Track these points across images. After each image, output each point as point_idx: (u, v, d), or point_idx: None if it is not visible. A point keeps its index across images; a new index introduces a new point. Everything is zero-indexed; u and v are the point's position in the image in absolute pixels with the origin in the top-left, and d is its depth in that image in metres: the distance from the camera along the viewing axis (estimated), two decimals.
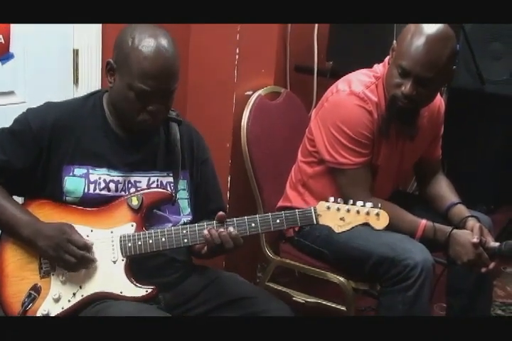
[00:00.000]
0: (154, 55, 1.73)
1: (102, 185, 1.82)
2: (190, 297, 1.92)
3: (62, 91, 2.42)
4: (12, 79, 2.29)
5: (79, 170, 1.82)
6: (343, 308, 2.39)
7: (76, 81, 2.47)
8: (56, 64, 2.41)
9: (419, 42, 2.07)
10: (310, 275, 2.45)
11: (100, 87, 2.49)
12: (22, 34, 2.20)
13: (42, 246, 1.76)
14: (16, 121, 1.85)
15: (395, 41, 2.20)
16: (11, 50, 2.21)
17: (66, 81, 2.45)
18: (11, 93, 2.32)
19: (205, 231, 1.75)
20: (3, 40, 2.20)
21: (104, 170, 1.83)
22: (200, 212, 1.98)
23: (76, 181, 1.81)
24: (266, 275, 2.57)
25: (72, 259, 1.74)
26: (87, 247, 1.76)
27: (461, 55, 2.83)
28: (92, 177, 1.82)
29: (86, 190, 1.82)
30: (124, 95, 1.77)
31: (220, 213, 1.78)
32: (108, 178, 1.83)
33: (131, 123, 1.81)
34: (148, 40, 1.73)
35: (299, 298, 2.49)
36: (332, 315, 2.45)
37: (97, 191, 1.82)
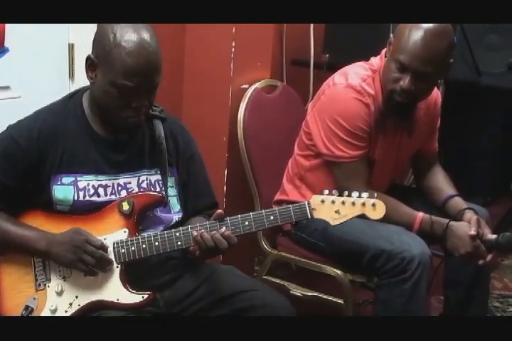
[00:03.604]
0: (137, 50, 1.68)
1: (92, 191, 1.80)
2: (188, 293, 1.92)
3: (58, 85, 2.41)
4: (7, 74, 2.27)
5: (67, 179, 1.80)
6: (341, 301, 2.39)
7: (72, 75, 2.46)
8: (52, 58, 2.40)
9: (417, 36, 2.06)
10: (307, 269, 2.46)
11: None
12: (17, 28, 2.19)
13: (59, 252, 1.75)
14: (1, 142, 1.82)
15: (391, 35, 2.19)
16: (6, 44, 2.20)
17: (62, 75, 2.44)
18: (6, 88, 2.30)
19: (195, 233, 1.73)
20: None
21: (91, 176, 1.81)
22: (191, 209, 1.97)
23: (65, 189, 1.79)
24: (263, 269, 2.57)
25: (91, 260, 1.73)
26: (104, 247, 1.75)
27: (458, 47, 2.81)
28: (81, 184, 1.80)
29: (76, 198, 1.80)
30: (106, 91, 1.73)
31: (219, 211, 1.76)
32: (96, 184, 1.81)
33: (114, 120, 1.78)
34: (131, 35, 1.68)
35: (297, 291, 2.49)
36: (330, 308, 2.45)
37: (87, 198, 1.80)
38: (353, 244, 2.21)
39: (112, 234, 1.79)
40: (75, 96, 1.87)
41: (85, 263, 1.74)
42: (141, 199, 1.82)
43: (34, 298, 1.79)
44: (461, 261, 2.26)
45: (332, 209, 1.74)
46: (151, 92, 1.77)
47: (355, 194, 1.74)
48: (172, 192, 1.92)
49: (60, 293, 1.79)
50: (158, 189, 1.88)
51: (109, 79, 1.71)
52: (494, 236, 2.16)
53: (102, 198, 1.82)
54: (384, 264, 2.15)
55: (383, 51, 2.26)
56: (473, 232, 2.14)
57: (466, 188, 2.50)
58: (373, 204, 1.73)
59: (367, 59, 2.33)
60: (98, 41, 1.74)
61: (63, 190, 1.80)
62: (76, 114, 1.83)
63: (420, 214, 2.22)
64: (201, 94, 2.76)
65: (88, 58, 1.76)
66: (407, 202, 2.27)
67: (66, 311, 1.78)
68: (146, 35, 1.71)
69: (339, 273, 2.35)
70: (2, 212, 1.82)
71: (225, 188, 2.71)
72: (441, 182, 2.43)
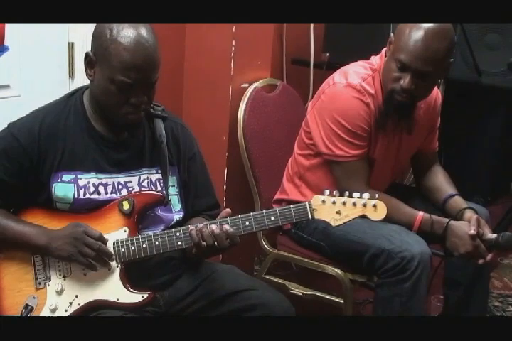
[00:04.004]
0: (134, 45, 1.67)
1: (92, 189, 1.80)
2: (188, 292, 1.92)
3: (57, 84, 2.41)
4: (7, 73, 2.27)
5: (67, 176, 1.79)
6: (341, 301, 2.39)
7: (71, 74, 2.46)
8: (51, 57, 2.40)
9: (418, 36, 2.05)
10: (307, 268, 2.46)
11: None
12: (17, 27, 2.19)
13: (58, 246, 1.74)
14: (1, 140, 1.80)
15: (392, 34, 2.18)
16: (6, 43, 2.20)
17: (61, 74, 2.44)
18: (5, 86, 2.31)
19: (193, 231, 1.72)
20: None
21: (92, 174, 1.81)
22: (191, 209, 1.97)
23: (65, 187, 1.79)
24: (263, 268, 2.57)
25: (90, 252, 1.72)
26: (102, 239, 1.75)
27: (458, 47, 2.82)
28: (81, 182, 1.80)
29: (76, 196, 1.79)
30: (105, 88, 1.72)
31: (227, 210, 1.76)
32: (97, 182, 1.81)
33: (114, 117, 1.78)
34: (127, 30, 1.68)
35: (297, 290, 2.49)
36: (330, 307, 2.45)
37: (87, 195, 1.80)
38: (353, 243, 2.21)
39: (112, 233, 1.79)
40: (76, 94, 1.87)
41: (85, 255, 1.73)
42: (141, 199, 1.82)
43: (34, 297, 1.79)
44: (461, 260, 2.26)
45: (333, 209, 1.73)
46: (150, 88, 1.76)
47: (356, 194, 1.72)
48: (173, 191, 1.92)
49: (60, 292, 1.79)
50: (159, 188, 1.88)
51: (107, 76, 1.70)
52: (494, 236, 2.16)
53: (103, 196, 1.82)
54: (384, 263, 2.15)
55: (383, 50, 2.25)
56: (473, 232, 2.13)
57: (466, 188, 2.50)
58: (374, 205, 1.72)
59: (367, 58, 2.33)
60: (96, 38, 1.74)
61: (63, 187, 1.79)
62: (77, 112, 1.83)
63: (420, 214, 2.21)
64: (201, 93, 2.76)
65: (87, 55, 1.75)
66: (407, 202, 2.27)
67: (66, 310, 1.78)
68: (143, 31, 1.70)
69: (339, 273, 2.35)
70: (2, 208, 1.82)
71: (224, 187, 2.71)
72: (441, 182, 2.43)
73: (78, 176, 1.80)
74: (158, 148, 1.89)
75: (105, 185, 1.82)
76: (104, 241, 1.75)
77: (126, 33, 1.68)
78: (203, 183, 2.01)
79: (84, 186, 1.80)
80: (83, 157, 1.80)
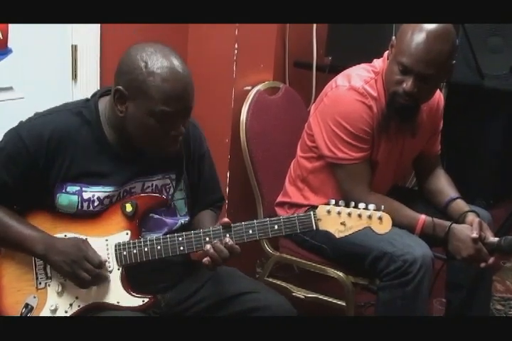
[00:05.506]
0: (172, 76, 1.66)
1: (96, 202, 1.78)
2: (190, 294, 1.92)
3: (60, 86, 2.42)
4: (10, 75, 2.28)
5: (72, 188, 1.77)
6: (343, 303, 2.39)
7: (75, 76, 2.46)
8: (55, 59, 2.41)
9: (420, 38, 2.06)
10: (309, 271, 2.46)
11: (98, 83, 2.49)
12: (20, 29, 2.19)
13: (56, 261, 1.73)
14: (8, 140, 1.77)
15: (394, 37, 2.19)
16: (9, 45, 2.21)
17: (64, 76, 2.45)
18: (9, 89, 2.31)
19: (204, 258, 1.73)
20: (1, 36, 2.18)
21: (98, 188, 1.78)
22: (199, 204, 1.98)
23: (69, 198, 1.77)
24: (265, 271, 2.57)
25: (87, 277, 1.71)
26: (101, 265, 1.73)
27: (461, 50, 2.81)
28: (86, 195, 1.77)
29: (79, 207, 1.78)
30: (143, 123, 1.69)
31: (226, 220, 1.75)
32: (102, 195, 1.78)
33: (152, 150, 1.76)
34: (162, 61, 1.66)
35: (299, 293, 2.49)
36: (331, 310, 2.45)
37: (91, 208, 1.78)
38: (356, 246, 2.21)
39: (114, 236, 1.79)
40: (91, 101, 1.82)
41: (80, 279, 1.72)
42: (144, 201, 1.81)
43: (34, 297, 1.79)
44: (463, 263, 2.26)
45: (338, 220, 1.71)
46: (187, 117, 1.75)
47: (361, 205, 1.70)
48: (180, 195, 1.91)
49: (60, 293, 1.78)
50: (164, 193, 1.86)
51: (146, 109, 1.67)
52: (496, 239, 2.15)
53: (106, 206, 1.80)
54: (386, 266, 2.15)
55: (386, 53, 2.26)
56: (475, 235, 2.13)
57: (468, 191, 2.50)
58: (380, 218, 1.69)
59: (369, 61, 2.33)
60: (127, 72, 1.68)
61: (67, 198, 1.77)
62: (90, 122, 1.78)
63: (422, 217, 2.21)
64: (204, 95, 2.74)
65: (117, 91, 1.70)
66: (409, 205, 2.27)
67: (66, 311, 1.77)
68: (175, 60, 1.68)
69: (341, 276, 2.35)
70: (6, 208, 1.80)
71: (227, 190, 2.71)
72: (443, 185, 2.43)
73: (83, 189, 1.77)
74: (173, 154, 1.86)
75: (111, 197, 1.80)
76: (103, 266, 1.74)
77: (161, 63, 1.66)
78: (211, 180, 2.03)
79: (89, 199, 1.78)
80: (91, 169, 1.77)
